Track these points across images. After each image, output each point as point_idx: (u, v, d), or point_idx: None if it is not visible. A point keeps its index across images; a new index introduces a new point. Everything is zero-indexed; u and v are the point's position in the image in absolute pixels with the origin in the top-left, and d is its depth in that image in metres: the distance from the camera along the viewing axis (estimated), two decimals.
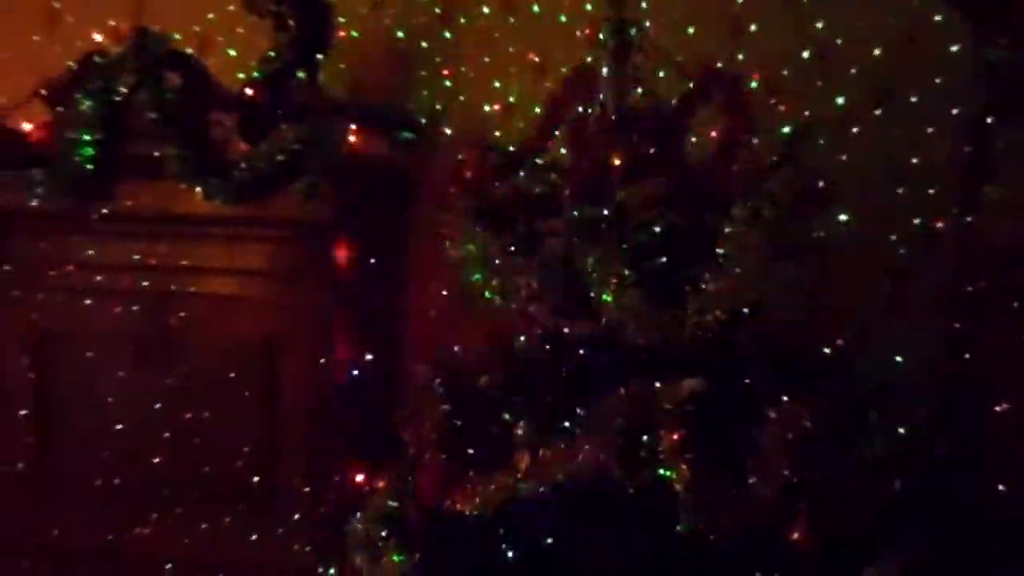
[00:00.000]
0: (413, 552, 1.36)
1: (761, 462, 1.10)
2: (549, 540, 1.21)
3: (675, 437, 1.08)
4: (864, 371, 1.52)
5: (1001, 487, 1.39)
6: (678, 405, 1.11)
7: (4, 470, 1.94)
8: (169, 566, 1.87)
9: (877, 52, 2.02)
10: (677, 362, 1.20)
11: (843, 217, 2.02)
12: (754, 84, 2.04)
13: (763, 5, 2.09)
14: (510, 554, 1.21)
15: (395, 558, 1.36)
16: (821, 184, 1.38)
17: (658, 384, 1.11)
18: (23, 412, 1.92)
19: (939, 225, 1.89)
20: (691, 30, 2.06)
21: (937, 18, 1.92)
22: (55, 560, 1.95)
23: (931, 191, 1.94)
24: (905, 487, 1.17)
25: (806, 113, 2.03)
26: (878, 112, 2.03)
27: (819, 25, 2.04)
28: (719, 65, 1.54)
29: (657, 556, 1.13)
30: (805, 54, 2.04)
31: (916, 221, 2.00)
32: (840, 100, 2.03)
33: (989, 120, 1.53)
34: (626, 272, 1.30)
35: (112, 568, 1.92)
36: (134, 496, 1.90)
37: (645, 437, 1.10)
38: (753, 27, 2.09)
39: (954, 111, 1.86)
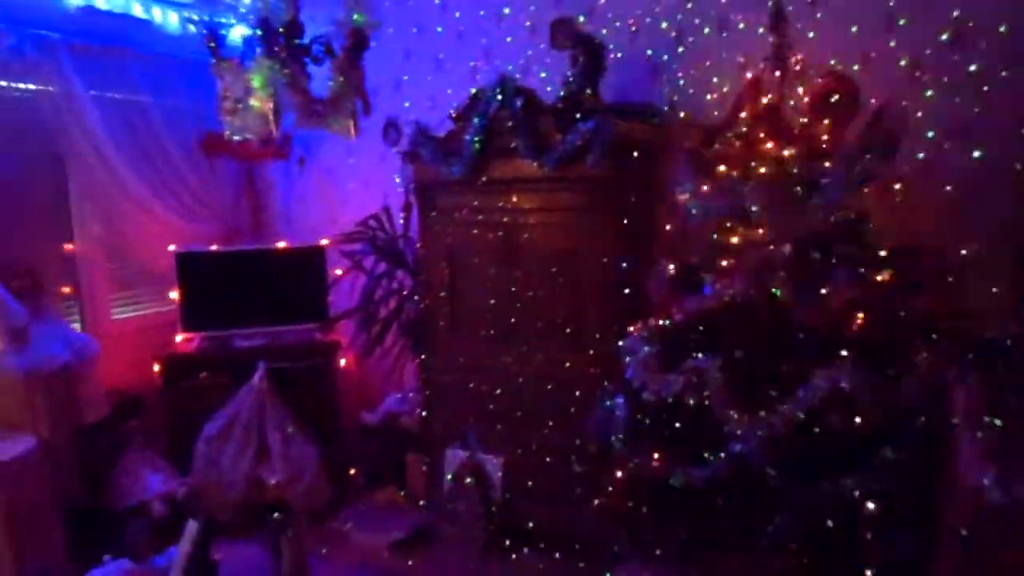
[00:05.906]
0: (659, 348, 2.44)
1: (834, 287, 2.04)
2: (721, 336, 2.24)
3: (782, 274, 2.07)
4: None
5: None
6: (786, 259, 2.10)
7: (437, 328, 3.20)
8: (521, 379, 3.01)
9: (1003, 29, 2.63)
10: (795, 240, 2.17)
11: (976, 154, 2.70)
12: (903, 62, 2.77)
13: (910, 2, 2.73)
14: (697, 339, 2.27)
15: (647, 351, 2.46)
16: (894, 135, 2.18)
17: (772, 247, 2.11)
18: (442, 294, 3.16)
19: None
20: (853, 29, 2.85)
21: None
22: (462, 374, 3.13)
23: None
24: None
25: (944, 80, 2.74)
26: (1004, 73, 2.65)
27: (955, 14, 2.69)
28: (838, 66, 2.36)
29: (775, 340, 2.13)
30: (944, 36, 2.73)
31: None
32: (972, 68, 2.70)
33: None
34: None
35: (492, 378, 3.06)
36: (500, 339, 3.03)
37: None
38: (902, 21, 2.77)
39: None
